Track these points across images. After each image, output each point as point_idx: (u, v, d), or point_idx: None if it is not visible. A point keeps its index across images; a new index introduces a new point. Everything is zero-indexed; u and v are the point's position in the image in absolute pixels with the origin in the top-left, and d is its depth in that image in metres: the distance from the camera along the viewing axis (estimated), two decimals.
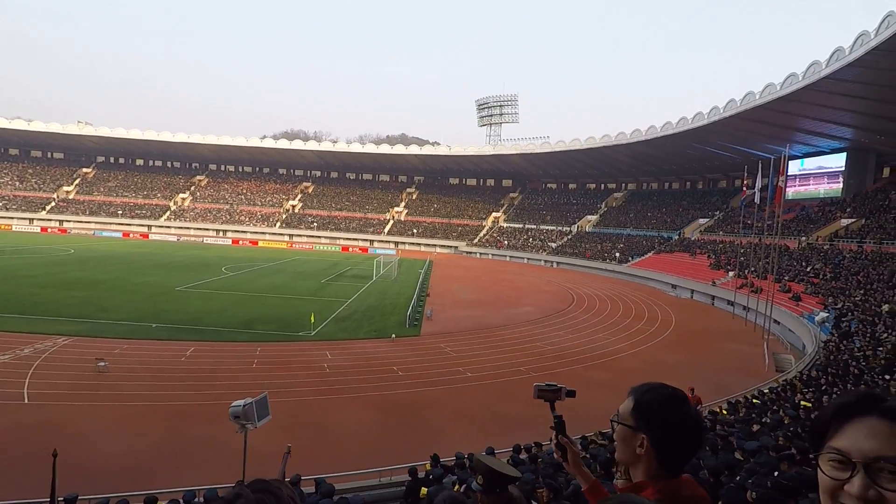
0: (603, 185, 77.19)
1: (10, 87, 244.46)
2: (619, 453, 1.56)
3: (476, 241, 72.86)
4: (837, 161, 44.23)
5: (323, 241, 73.89)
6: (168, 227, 76.01)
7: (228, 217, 78.83)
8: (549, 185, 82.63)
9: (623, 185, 74.54)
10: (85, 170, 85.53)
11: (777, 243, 33.17)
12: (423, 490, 7.05)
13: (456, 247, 72.28)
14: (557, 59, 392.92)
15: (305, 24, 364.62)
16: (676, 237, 54.21)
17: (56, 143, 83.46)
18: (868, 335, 18.93)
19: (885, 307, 21.38)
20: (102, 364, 16.30)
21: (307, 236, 75.32)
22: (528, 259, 63.88)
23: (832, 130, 40.72)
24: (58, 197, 78.54)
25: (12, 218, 72.73)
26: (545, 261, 62.07)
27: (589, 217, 69.61)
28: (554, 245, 65.33)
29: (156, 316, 24.12)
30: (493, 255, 67.69)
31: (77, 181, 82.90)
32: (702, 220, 55.11)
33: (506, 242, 69.64)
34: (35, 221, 73.62)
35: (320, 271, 45.16)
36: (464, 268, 54.12)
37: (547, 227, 70.56)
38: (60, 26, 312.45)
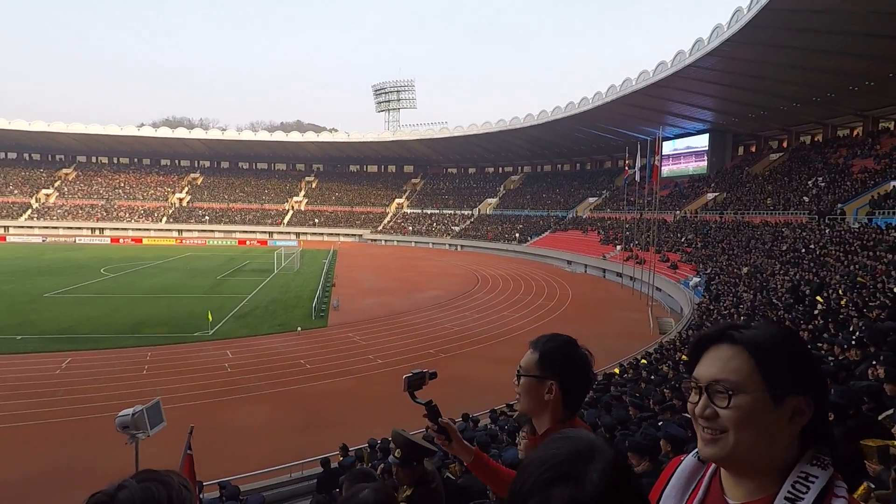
0: (501, 169, 79.75)
1: None
2: (525, 405, 1.65)
3: (380, 228, 72.25)
4: (702, 141, 49.49)
5: (217, 234, 69.12)
6: (30, 227, 66.70)
7: (105, 214, 70.93)
8: (449, 170, 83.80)
9: (519, 168, 77.60)
10: None
11: (656, 217, 36.64)
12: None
13: (360, 235, 71.18)
14: (452, 45, 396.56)
15: (181, 3, 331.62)
16: (569, 216, 57.71)
17: None
18: (732, 295, 21.54)
19: (745, 269, 24.46)
20: None
21: (199, 231, 69.99)
22: (433, 244, 64.63)
23: (697, 113, 45.47)
24: None
25: None
26: (449, 244, 63.18)
27: (489, 200, 71.75)
28: (457, 229, 66.64)
29: (20, 327, 21.29)
30: (398, 241, 67.59)
31: None
32: (591, 199, 59.08)
33: (410, 228, 69.81)
34: None
35: (215, 267, 42.30)
36: (369, 255, 53.51)
37: (449, 212, 71.65)
38: None
